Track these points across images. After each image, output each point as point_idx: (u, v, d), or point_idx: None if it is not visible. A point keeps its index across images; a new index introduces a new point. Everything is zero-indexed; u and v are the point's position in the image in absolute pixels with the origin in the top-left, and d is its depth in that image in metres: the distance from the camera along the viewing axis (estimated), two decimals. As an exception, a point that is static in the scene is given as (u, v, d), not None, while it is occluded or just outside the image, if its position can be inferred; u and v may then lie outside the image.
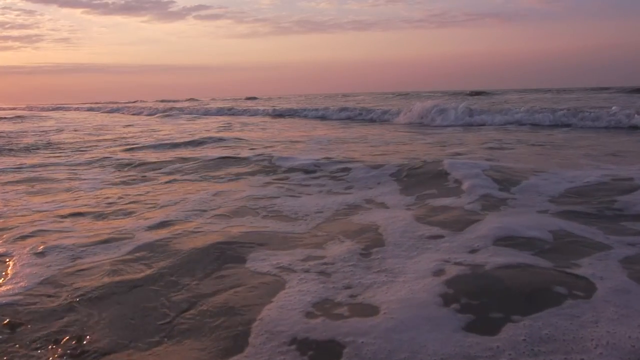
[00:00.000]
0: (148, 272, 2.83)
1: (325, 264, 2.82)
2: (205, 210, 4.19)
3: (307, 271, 2.73)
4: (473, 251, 2.94)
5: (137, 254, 3.14)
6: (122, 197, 4.89)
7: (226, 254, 3.06)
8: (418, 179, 5.14)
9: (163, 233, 3.58)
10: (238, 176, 5.85)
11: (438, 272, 2.59)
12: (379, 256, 2.94)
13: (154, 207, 4.41)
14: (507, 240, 3.09)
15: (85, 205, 4.60)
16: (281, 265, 2.85)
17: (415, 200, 4.36)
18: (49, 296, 2.53)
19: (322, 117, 20.09)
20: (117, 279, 2.74)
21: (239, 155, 7.40)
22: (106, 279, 2.74)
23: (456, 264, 2.73)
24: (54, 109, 48.91)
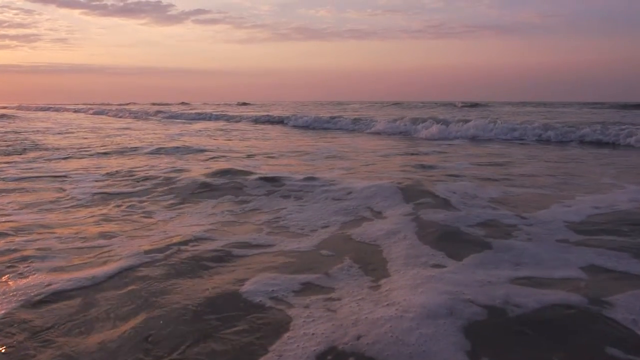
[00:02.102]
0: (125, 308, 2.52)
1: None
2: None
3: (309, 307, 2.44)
4: (484, 285, 2.63)
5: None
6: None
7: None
8: (414, 198, 4.76)
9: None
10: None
11: (450, 312, 2.29)
12: (387, 288, 2.64)
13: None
14: (525, 275, 2.79)
15: None
16: (279, 297, 2.57)
17: (413, 218, 3.97)
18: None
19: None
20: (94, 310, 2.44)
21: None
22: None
23: (469, 301, 2.42)
24: (43, 109, 48.28)
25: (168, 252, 3.29)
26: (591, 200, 4.59)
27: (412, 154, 9.15)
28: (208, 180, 5.66)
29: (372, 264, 3.07)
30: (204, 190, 5.28)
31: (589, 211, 4.19)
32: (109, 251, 3.37)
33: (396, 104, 55.75)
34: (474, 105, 43.22)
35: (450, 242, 3.41)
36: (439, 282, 2.66)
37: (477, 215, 4.05)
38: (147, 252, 3.31)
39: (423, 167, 7.18)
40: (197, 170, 6.53)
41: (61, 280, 2.82)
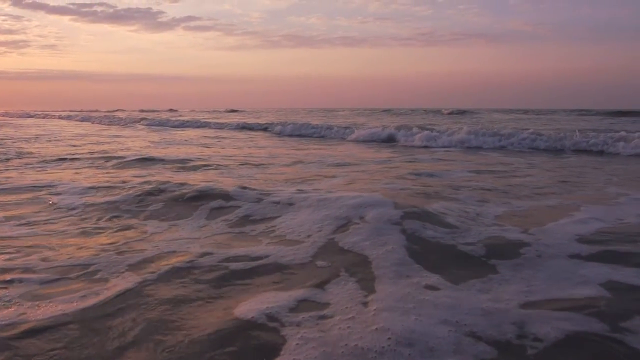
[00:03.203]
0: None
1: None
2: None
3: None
4: (491, 313, 2.34)
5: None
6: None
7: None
8: (408, 213, 4.47)
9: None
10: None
11: (455, 349, 2.02)
12: (375, 307, 2.43)
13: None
14: (539, 299, 2.52)
15: None
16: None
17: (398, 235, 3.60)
18: None
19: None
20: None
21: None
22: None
23: (475, 335, 2.14)
24: (31, 116, 47.69)
25: (161, 272, 3.07)
26: (599, 212, 4.42)
27: (403, 162, 8.93)
28: (194, 191, 5.41)
29: (363, 280, 2.84)
30: (192, 201, 5.00)
31: (599, 224, 3.98)
32: (96, 271, 3.14)
33: (385, 110, 55.91)
34: (463, 112, 43.23)
35: (447, 261, 3.13)
36: (436, 308, 2.39)
37: (478, 232, 3.73)
38: (138, 271, 3.09)
39: (418, 176, 6.96)
40: (183, 180, 6.28)
41: (42, 308, 2.59)
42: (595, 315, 2.33)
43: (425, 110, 52.78)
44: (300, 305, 2.54)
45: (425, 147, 12.82)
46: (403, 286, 2.71)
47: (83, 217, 4.62)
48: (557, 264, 3.07)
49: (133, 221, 4.44)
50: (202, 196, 5.07)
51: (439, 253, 3.30)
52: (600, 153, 10.66)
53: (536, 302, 2.51)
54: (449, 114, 40.78)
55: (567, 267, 3.00)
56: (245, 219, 4.36)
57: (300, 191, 5.26)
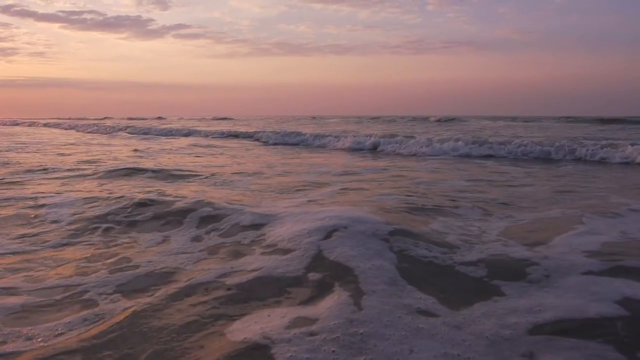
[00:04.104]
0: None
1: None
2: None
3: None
4: (498, 343, 2.11)
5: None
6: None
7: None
8: (400, 229, 4.22)
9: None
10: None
11: None
12: (362, 331, 2.22)
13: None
14: (550, 320, 2.32)
15: None
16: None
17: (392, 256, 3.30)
18: None
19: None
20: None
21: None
22: None
23: None
24: (18, 124, 47.18)
25: (154, 293, 2.87)
26: (602, 224, 4.28)
27: (395, 171, 8.76)
28: (184, 203, 5.17)
29: (353, 295, 2.65)
30: (183, 214, 4.73)
31: (604, 238, 3.81)
32: (84, 292, 2.93)
33: (374, 118, 56.04)
34: (451, 119, 43.27)
35: (446, 281, 2.90)
36: (433, 339, 2.15)
37: (480, 249, 3.48)
38: (129, 293, 2.89)
39: (416, 185, 6.79)
40: (172, 191, 6.06)
41: (24, 335, 2.39)
42: (612, 341, 2.16)
43: (414, 118, 52.83)
44: (293, 322, 2.39)
45: (414, 155, 12.68)
46: (393, 307, 2.50)
47: (71, 231, 4.39)
48: (567, 282, 2.87)
49: (124, 236, 4.23)
50: (191, 209, 4.83)
51: (436, 272, 3.08)
52: (596, 161, 10.52)
53: (546, 326, 2.30)
54: (437, 121, 40.71)
55: (578, 285, 2.80)
56: (236, 231, 4.14)
57: (290, 204, 5.06)
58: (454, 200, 5.52)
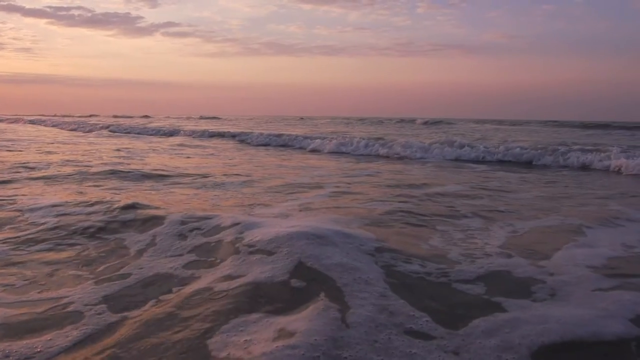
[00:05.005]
0: None
1: None
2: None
3: None
4: None
5: None
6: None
7: None
8: (391, 241, 3.90)
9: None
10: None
11: None
12: (348, 354, 2.04)
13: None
14: (560, 341, 2.16)
15: None
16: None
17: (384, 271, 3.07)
18: None
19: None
20: None
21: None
22: None
23: None
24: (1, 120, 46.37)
25: (148, 306, 2.71)
26: (603, 235, 4.19)
27: (386, 175, 8.63)
28: (169, 212, 4.98)
29: (340, 310, 2.47)
30: (167, 219, 4.46)
31: (606, 251, 3.69)
32: (69, 303, 2.76)
33: (361, 119, 56.12)
34: (438, 122, 43.35)
35: (439, 300, 2.66)
36: None
37: (479, 265, 3.26)
38: (115, 305, 2.72)
39: (402, 193, 6.61)
40: (155, 195, 5.86)
41: (4, 353, 2.21)
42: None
43: (401, 120, 52.91)
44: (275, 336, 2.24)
45: (402, 158, 12.57)
46: (383, 326, 2.30)
47: (53, 238, 4.17)
48: (574, 299, 2.72)
49: (110, 243, 4.01)
50: (175, 214, 4.62)
51: (430, 287, 2.89)
52: (589, 168, 10.48)
53: (553, 347, 2.15)
54: (424, 123, 40.67)
55: (586, 302, 2.65)
56: (218, 238, 3.91)
57: (278, 211, 4.88)
58: (452, 208, 5.40)
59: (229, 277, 3.06)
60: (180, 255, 3.62)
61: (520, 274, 3.15)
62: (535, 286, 2.91)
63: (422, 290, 2.82)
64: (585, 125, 35.13)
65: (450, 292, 2.83)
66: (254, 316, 2.48)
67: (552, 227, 4.58)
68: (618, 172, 9.71)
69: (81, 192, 6.15)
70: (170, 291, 2.94)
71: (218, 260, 3.43)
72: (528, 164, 11.40)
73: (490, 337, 2.23)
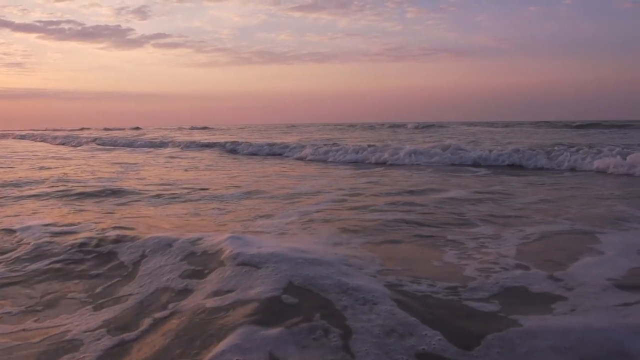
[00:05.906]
0: None
1: None
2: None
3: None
4: None
5: None
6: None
7: None
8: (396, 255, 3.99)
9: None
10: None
11: None
12: None
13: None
14: None
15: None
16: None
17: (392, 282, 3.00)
18: None
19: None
20: None
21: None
22: None
23: None
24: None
25: (143, 328, 2.56)
26: (621, 240, 4.06)
27: (386, 183, 8.49)
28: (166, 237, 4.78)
29: (343, 338, 2.31)
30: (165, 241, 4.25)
31: (629, 261, 3.51)
32: (67, 331, 2.59)
33: (351, 125, 56.14)
34: (429, 126, 43.37)
35: (451, 319, 2.50)
36: None
37: (495, 281, 3.10)
38: (114, 329, 2.57)
39: (406, 203, 6.43)
40: (150, 219, 5.66)
41: None
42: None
43: (392, 125, 52.94)
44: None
45: (391, 164, 12.45)
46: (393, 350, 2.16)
47: (45, 259, 3.95)
48: (601, 316, 2.53)
49: (101, 267, 3.79)
50: (170, 233, 4.44)
51: (443, 307, 2.70)
52: (588, 168, 10.37)
53: None
54: (415, 127, 40.58)
55: (609, 315, 2.49)
56: (218, 257, 3.72)
57: (278, 222, 4.70)
58: (461, 216, 5.27)
59: (224, 298, 2.88)
60: (177, 276, 3.44)
61: (537, 289, 2.99)
62: (556, 305, 2.73)
63: (430, 310, 2.62)
64: (577, 125, 35.28)
65: (462, 312, 2.66)
66: (247, 344, 2.31)
67: (563, 233, 4.45)
68: (618, 172, 9.62)
69: (68, 213, 5.91)
70: (166, 309, 2.80)
71: (214, 282, 3.24)
72: (527, 167, 11.30)
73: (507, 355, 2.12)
